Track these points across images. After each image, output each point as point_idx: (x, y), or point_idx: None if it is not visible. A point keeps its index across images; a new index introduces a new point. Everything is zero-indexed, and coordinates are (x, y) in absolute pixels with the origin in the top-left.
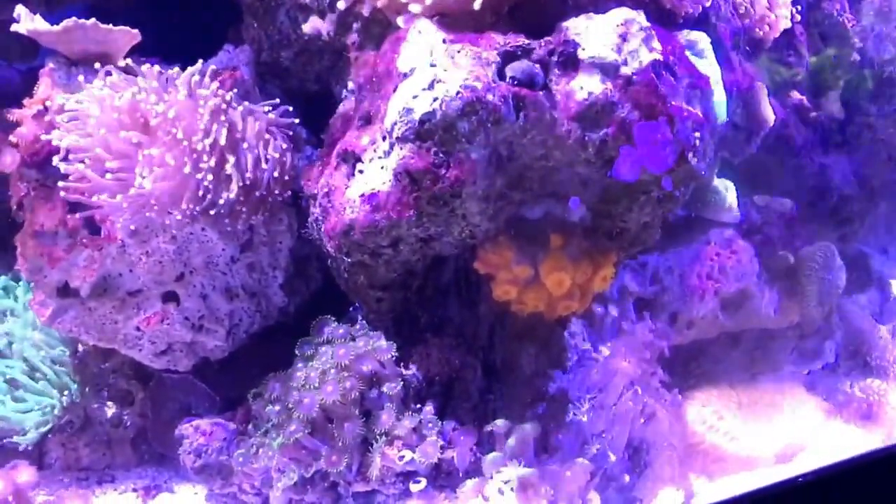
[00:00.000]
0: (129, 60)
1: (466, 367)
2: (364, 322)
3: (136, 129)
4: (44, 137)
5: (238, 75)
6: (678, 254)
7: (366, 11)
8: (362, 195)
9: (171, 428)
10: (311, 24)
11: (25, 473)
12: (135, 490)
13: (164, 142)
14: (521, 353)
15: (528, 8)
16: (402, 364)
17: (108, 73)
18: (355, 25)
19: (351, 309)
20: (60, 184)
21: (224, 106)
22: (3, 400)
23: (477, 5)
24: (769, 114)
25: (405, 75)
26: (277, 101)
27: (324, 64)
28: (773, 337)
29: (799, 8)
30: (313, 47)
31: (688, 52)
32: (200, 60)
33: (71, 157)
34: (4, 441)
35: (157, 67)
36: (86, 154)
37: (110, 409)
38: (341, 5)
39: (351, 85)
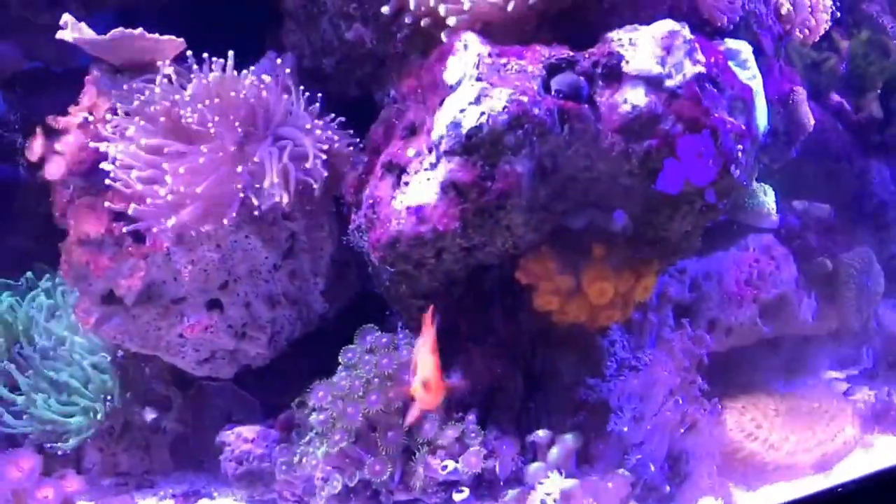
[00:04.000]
0: (171, 68)
1: (508, 376)
2: (406, 331)
3: (181, 137)
4: (92, 145)
5: (281, 81)
6: (717, 259)
7: (409, 20)
8: (408, 207)
9: (211, 434)
10: (355, 32)
11: (74, 482)
12: (174, 496)
13: (208, 149)
14: (561, 362)
15: (570, 17)
16: (443, 374)
17: (151, 84)
18: (399, 35)
19: (388, 313)
20: (107, 203)
21: (271, 114)
22: (49, 403)
23: (510, 7)
24: (809, 119)
25: (451, 88)
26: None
27: (365, 71)
28: (812, 343)
29: (837, 5)
30: (355, 54)
31: (730, 63)
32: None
33: (117, 163)
34: (47, 444)
35: (214, 75)
36: (130, 163)
37: (149, 415)
38: (385, 10)
39: (393, 93)
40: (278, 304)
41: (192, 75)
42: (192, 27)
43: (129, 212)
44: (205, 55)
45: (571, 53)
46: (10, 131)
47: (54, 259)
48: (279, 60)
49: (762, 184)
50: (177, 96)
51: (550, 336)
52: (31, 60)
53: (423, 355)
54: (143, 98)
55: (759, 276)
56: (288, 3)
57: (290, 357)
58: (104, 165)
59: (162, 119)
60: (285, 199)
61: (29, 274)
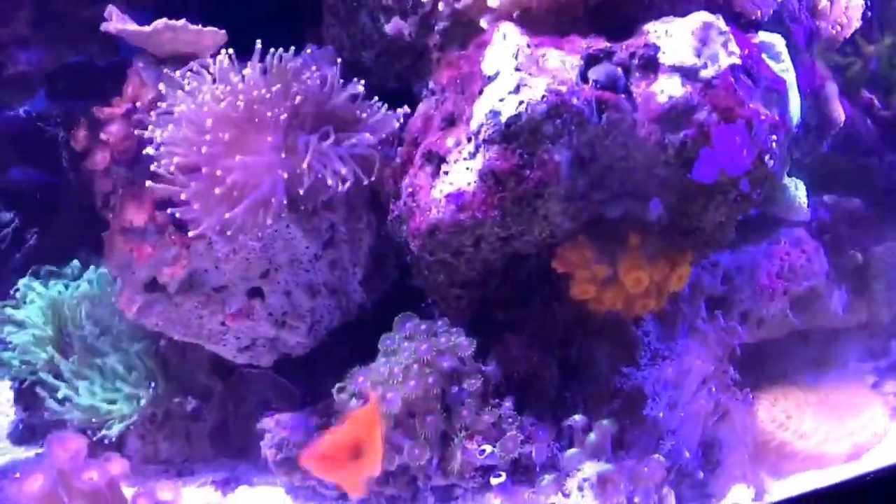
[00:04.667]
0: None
1: (543, 364)
2: (444, 319)
3: (227, 126)
4: (137, 133)
5: (325, 75)
6: (749, 253)
7: (448, 12)
8: (448, 195)
9: (251, 423)
10: (394, 25)
11: (118, 465)
12: (213, 483)
13: (256, 139)
14: (596, 351)
15: (606, 9)
16: (480, 361)
17: (198, 73)
18: (437, 27)
19: (424, 305)
20: (148, 184)
21: (310, 106)
22: (94, 390)
23: None
24: (840, 113)
25: (490, 78)
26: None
27: (404, 63)
28: (841, 336)
29: (869, 3)
30: (394, 48)
31: (764, 55)
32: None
33: (162, 149)
34: (90, 430)
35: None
36: (175, 151)
37: (189, 404)
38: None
39: (431, 84)
40: (318, 294)
41: (244, 67)
42: (229, 21)
43: (182, 196)
44: (258, 45)
45: (608, 45)
46: (53, 125)
47: (97, 249)
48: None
49: (794, 178)
50: (219, 88)
51: (585, 325)
52: (75, 55)
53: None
54: (189, 87)
55: (791, 269)
56: None
57: (328, 346)
58: (148, 150)
59: (207, 109)
60: (342, 187)
61: (74, 262)
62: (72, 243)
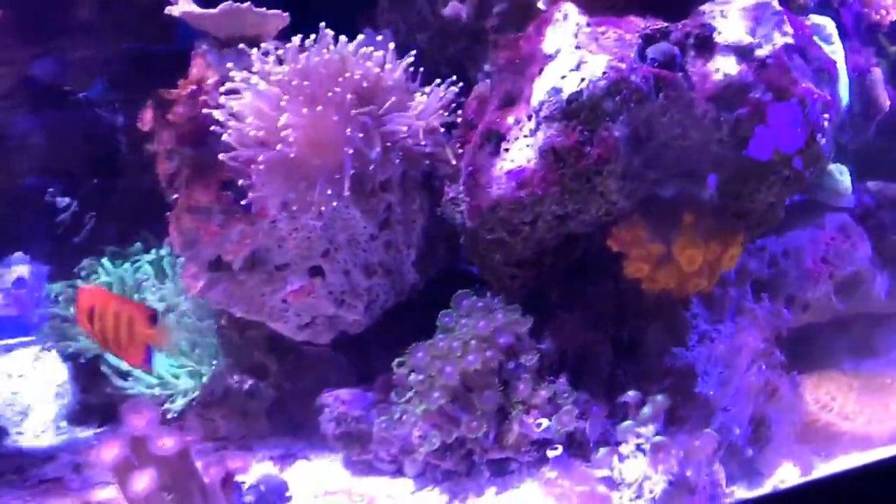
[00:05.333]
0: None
1: (596, 342)
2: (500, 297)
3: (293, 107)
4: (204, 113)
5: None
6: (795, 237)
7: None
8: (508, 172)
9: (308, 400)
10: (451, 8)
11: (189, 434)
12: (271, 458)
13: (322, 119)
14: (647, 330)
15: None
16: (534, 338)
17: (265, 54)
18: (495, 9)
19: (473, 288)
20: (221, 156)
21: (371, 87)
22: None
23: None
24: (885, 99)
25: (551, 57)
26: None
27: (458, 47)
28: (882, 322)
29: None
30: (450, 31)
31: (815, 37)
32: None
33: (229, 129)
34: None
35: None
36: (243, 131)
37: (246, 381)
38: None
39: (486, 67)
40: (374, 274)
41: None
42: (281, 4)
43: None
44: (326, 30)
45: (665, 24)
46: (111, 111)
47: (156, 230)
48: (379, 37)
49: (839, 164)
50: (286, 69)
51: (637, 306)
52: (133, 41)
53: None
54: (256, 69)
55: (836, 253)
56: None
57: (382, 325)
58: (216, 129)
59: (275, 90)
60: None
61: (137, 245)
62: (129, 225)
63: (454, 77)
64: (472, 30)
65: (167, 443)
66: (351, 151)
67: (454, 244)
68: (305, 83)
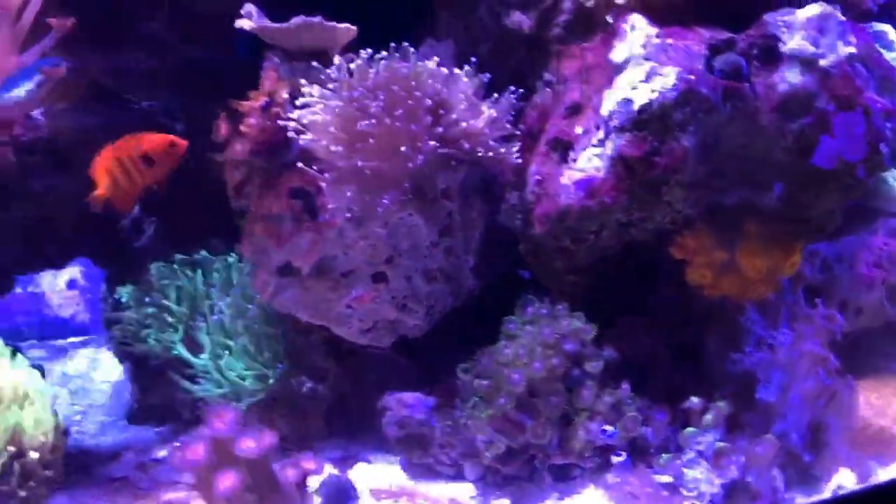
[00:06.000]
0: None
1: (657, 348)
2: (564, 304)
3: (363, 119)
4: (276, 125)
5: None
6: (847, 242)
7: (570, 6)
8: (577, 181)
9: (367, 402)
10: (513, 19)
11: (268, 437)
12: (331, 460)
13: (385, 126)
14: (706, 336)
15: (726, 6)
16: (597, 345)
17: (338, 68)
18: (558, 19)
19: (529, 293)
20: (299, 164)
21: (442, 96)
22: (227, 369)
23: None
24: None
25: (620, 68)
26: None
27: (520, 55)
28: None
29: None
30: (511, 41)
31: (876, 45)
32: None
33: (303, 140)
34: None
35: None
36: (315, 142)
37: (306, 383)
38: None
39: (548, 76)
40: (434, 280)
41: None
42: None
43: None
44: (395, 47)
45: (731, 35)
46: (173, 119)
47: (219, 235)
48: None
49: (893, 170)
50: (355, 83)
51: (696, 312)
52: (197, 51)
53: None
54: (328, 81)
55: (889, 258)
56: None
57: (439, 328)
58: (293, 136)
59: (345, 102)
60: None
61: (203, 252)
62: (190, 231)
63: (515, 87)
64: (534, 39)
65: (250, 444)
66: (418, 162)
67: (510, 249)
68: (376, 97)
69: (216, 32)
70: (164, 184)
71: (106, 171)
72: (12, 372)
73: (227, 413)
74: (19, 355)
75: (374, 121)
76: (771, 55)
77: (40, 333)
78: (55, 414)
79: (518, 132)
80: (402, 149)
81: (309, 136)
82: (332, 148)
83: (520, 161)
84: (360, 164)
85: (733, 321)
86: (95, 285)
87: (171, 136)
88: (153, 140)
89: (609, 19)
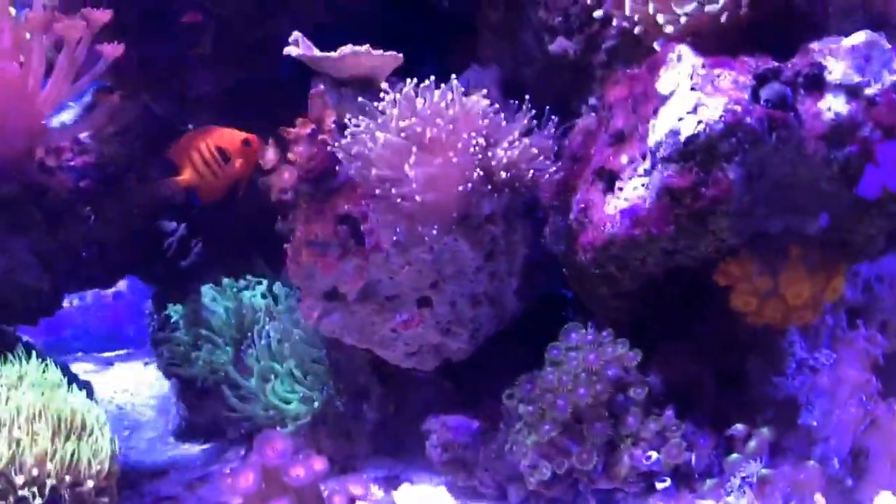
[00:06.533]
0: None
1: (701, 374)
2: (609, 329)
3: (411, 147)
4: (324, 152)
5: (490, 94)
6: (888, 262)
7: (615, 33)
8: (622, 211)
9: (410, 423)
10: (558, 44)
11: (319, 463)
12: (376, 480)
13: (435, 157)
14: (748, 361)
15: (769, 28)
16: (641, 370)
17: (379, 95)
18: (604, 45)
19: (569, 313)
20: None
21: (486, 122)
22: (274, 391)
23: (724, 18)
24: None
25: (666, 97)
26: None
27: (564, 79)
28: None
29: None
30: (556, 65)
31: None
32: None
33: (352, 168)
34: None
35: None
36: (363, 170)
37: (350, 403)
38: (598, 14)
39: (593, 101)
40: (479, 303)
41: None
42: (374, 38)
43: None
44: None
45: (776, 64)
46: None
47: (265, 257)
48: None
49: None
50: (404, 112)
51: (738, 337)
52: (243, 74)
53: None
54: (376, 110)
55: None
56: (491, 17)
57: (483, 351)
58: (338, 168)
59: (394, 131)
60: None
61: (248, 276)
62: (236, 252)
63: (558, 110)
64: (578, 64)
65: (300, 472)
66: (467, 190)
67: (553, 271)
68: (425, 128)
69: (261, 55)
70: (247, 183)
71: (188, 159)
72: (70, 400)
73: (278, 441)
74: (75, 387)
75: (422, 152)
76: (816, 84)
77: (87, 346)
78: (112, 440)
79: (561, 156)
80: (450, 180)
81: (356, 164)
82: (380, 178)
83: (562, 184)
84: (407, 194)
85: (775, 344)
86: (141, 298)
87: (246, 134)
88: (228, 135)
89: (656, 46)
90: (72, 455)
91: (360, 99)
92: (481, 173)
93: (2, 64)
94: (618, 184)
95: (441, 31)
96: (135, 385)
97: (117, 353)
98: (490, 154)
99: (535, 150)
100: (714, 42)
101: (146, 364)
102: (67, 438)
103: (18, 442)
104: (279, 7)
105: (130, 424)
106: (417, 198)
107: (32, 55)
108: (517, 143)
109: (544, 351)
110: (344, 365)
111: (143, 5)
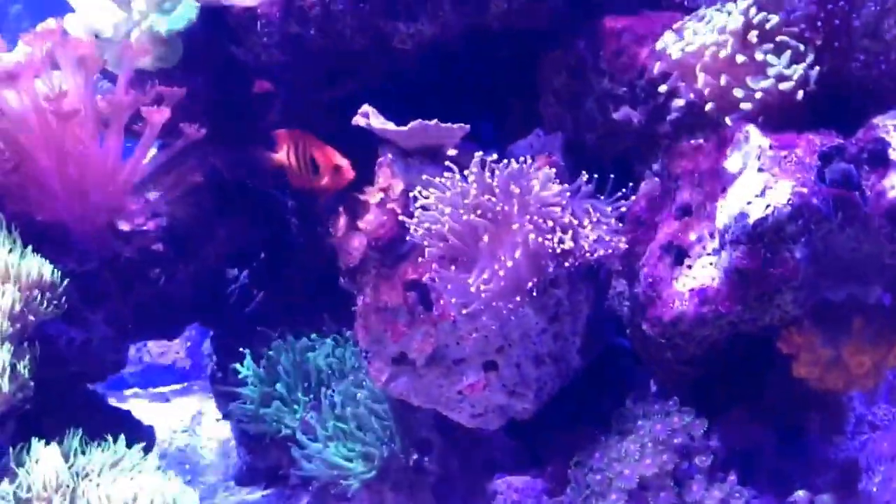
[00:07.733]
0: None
1: (763, 437)
2: (675, 398)
3: (478, 219)
4: (393, 220)
5: (554, 160)
6: None
7: (682, 105)
8: (692, 290)
9: (476, 479)
10: (623, 113)
11: None
12: None
13: (509, 235)
14: (808, 422)
15: (832, 102)
16: (705, 435)
17: (447, 167)
18: (669, 117)
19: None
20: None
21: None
22: (339, 450)
23: (800, 96)
24: None
25: (734, 177)
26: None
27: (626, 144)
28: None
29: None
30: (619, 132)
31: None
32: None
33: (426, 243)
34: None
35: (483, 156)
36: (432, 240)
37: (413, 456)
38: (663, 89)
39: (657, 167)
40: (543, 364)
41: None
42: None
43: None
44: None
45: (840, 141)
46: (283, 193)
47: (327, 311)
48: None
49: None
50: (471, 185)
51: (799, 398)
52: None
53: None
54: (444, 182)
55: None
56: (554, 82)
57: (547, 408)
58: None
59: (461, 204)
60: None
61: (314, 335)
62: (297, 304)
63: (618, 172)
64: (643, 132)
65: None
66: (541, 266)
67: (612, 323)
68: (495, 203)
69: (328, 122)
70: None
71: (288, 145)
72: (153, 481)
73: None
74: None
75: (492, 226)
76: (880, 160)
77: (142, 381)
78: None
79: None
80: (520, 247)
81: (427, 236)
82: (449, 247)
83: (626, 249)
84: (476, 263)
85: (836, 404)
86: (198, 333)
87: (343, 161)
88: (326, 152)
89: (728, 121)
90: None
91: (427, 169)
92: (550, 250)
93: (86, 147)
94: (686, 261)
95: (499, 92)
96: (193, 425)
97: (172, 387)
98: (560, 231)
99: (604, 228)
100: (780, 115)
101: (203, 398)
102: None
103: None
104: (348, 76)
105: (191, 468)
106: (479, 267)
107: (113, 135)
108: (590, 224)
109: (603, 403)
110: (407, 419)
111: (213, 73)
